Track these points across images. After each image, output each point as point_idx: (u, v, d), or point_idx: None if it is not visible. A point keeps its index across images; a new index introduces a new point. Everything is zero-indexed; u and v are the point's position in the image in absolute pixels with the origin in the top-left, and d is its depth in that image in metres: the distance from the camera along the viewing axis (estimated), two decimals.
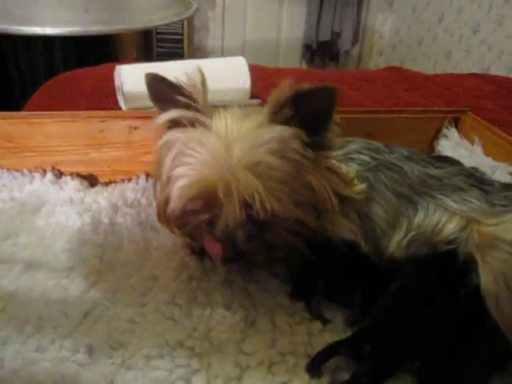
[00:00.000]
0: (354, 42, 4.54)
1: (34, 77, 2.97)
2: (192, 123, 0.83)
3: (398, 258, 0.92)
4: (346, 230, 0.92)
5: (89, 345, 0.78)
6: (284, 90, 0.79)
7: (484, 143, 1.29)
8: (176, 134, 0.85)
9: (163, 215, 0.89)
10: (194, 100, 0.83)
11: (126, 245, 1.03)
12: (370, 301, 0.84)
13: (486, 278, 0.79)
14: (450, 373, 0.73)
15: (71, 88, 1.93)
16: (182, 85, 0.83)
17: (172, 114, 0.84)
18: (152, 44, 3.56)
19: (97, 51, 2.91)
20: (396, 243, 0.92)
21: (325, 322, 0.86)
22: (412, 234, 0.92)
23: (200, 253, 1.01)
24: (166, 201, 0.86)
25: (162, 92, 0.84)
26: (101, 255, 1.00)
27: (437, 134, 1.40)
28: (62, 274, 0.94)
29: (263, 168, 0.77)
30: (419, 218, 0.93)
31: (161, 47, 3.71)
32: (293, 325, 0.85)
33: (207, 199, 0.81)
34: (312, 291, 0.88)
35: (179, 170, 0.82)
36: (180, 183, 0.81)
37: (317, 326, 0.85)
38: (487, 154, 1.28)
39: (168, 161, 0.84)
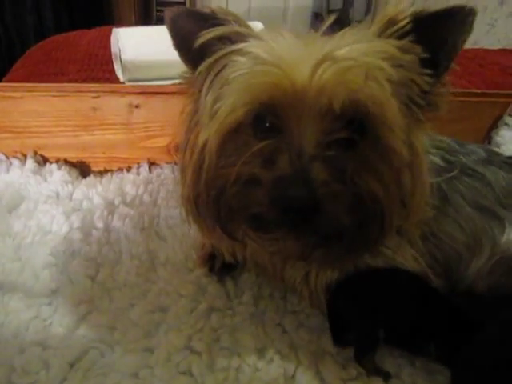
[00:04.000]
0: (367, 11, 4.24)
1: (23, 39, 2.69)
2: None
3: (479, 290, 0.71)
4: (407, 257, 0.71)
5: None
6: (398, 9, 0.56)
7: None
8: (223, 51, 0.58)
9: (193, 188, 0.60)
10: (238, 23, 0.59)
11: (124, 260, 0.82)
12: (448, 349, 0.64)
13: None
14: None
15: (59, 54, 1.67)
16: (216, 12, 0.59)
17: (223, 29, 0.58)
18: (152, 8, 3.24)
19: (91, 13, 2.62)
20: (476, 270, 0.71)
21: (386, 376, 0.65)
22: (497, 258, 0.71)
23: (221, 271, 0.79)
24: (200, 161, 0.59)
25: (190, 33, 0.59)
26: (93, 274, 0.78)
27: (495, 123, 1.18)
28: (43, 301, 0.73)
29: (372, 69, 0.53)
30: (507, 237, 0.72)
31: (161, 11, 3.40)
32: (347, 381, 0.65)
33: (273, 110, 0.54)
34: (368, 341, 0.66)
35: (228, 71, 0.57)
36: (232, 87, 0.55)
37: (379, 382, 0.64)
38: None
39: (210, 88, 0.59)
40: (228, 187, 0.55)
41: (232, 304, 0.75)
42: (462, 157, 0.77)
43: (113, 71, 1.44)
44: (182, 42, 0.60)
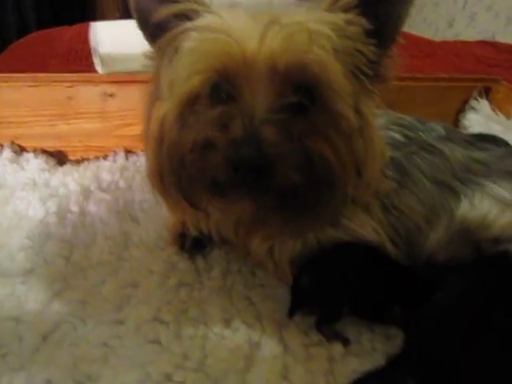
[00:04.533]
0: None
1: (4, 38, 2.70)
2: None
3: (438, 260, 0.74)
4: (367, 228, 0.74)
5: (47, 381, 0.60)
6: None
7: None
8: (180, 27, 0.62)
9: (156, 161, 0.65)
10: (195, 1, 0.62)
11: (99, 241, 0.84)
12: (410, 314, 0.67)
13: None
14: None
15: (41, 49, 1.69)
16: None
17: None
18: None
19: (74, 10, 2.64)
20: (435, 241, 0.75)
21: (346, 342, 0.68)
22: (454, 230, 0.75)
23: (192, 249, 0.82)
24: (161, 133, 0.62)
25: (151, 12, 0.62)
26: (68, 254, 0.81)
27: (463, 107, 1.21)
28: (18, 280, 0.75)
29: (317, 35, 0.57)
30: (463, 210, 0.75)
31: None
32: (308, 346, 0.67)
33: (226, 77, 0.57)
34: (331, 313, 0.70)
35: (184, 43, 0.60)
36: (187, 56, 0.59)
37: (339, 348, 0.67)
38: None
39: (169, 61, 0.62)
40: (187, 155, 0.58)
41: (201, 279, 0.77)
42: (421, 133, 0.81)
43: (92, 65, 1.46)
44: (144, 21, 0.64)
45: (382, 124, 0.80)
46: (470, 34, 3.34)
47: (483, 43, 2.40)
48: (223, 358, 0.65)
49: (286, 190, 0.57)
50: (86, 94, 1.04)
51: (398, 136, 0.79)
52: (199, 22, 0.60)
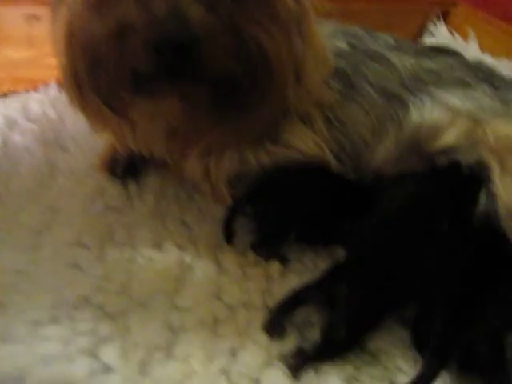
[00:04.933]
0: None
1: None
2: None
3: (386, 175, 0.70)
4: (309, 142, 0.68)
5: None
6: None
7: (480, 37, 1.06)
8: None
9: (70, 64, 0.56)
10: None
11: (22, 170, 0.77)
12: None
13: (509, 192, 0.58)
14: (456, 325, 0.52)
15: None
16: None
17: None
18: None
19: None
20: (382, 155, 0.70)
21: (284, 260, 0.64)
22: (403, 142, 0.70)
23: (124, 174, 0.76)
24: (70, 31, 0.54)
25: None
26: None
27: (421, 31, 1.15)
28: None
29: None
30: (412, 121, 0.70)
31: None
32: (245, 267, 0.63)
33: None
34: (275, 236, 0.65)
35: None
36: None
37: (278, 267, 0.63)
38: (484, 50, 1.05)
39: None
40: (102, 46, 0.51)
41: (132, 203, 0.72)
42: (368, 43, 0.75)
43: None
44: None
45: (327, 33, 0.74)
46: None
47: None
48: (150, 279, 0.60)
49: (219, 79, 0.51)
50: (8, 16, 0.94)
51: (343, 45, 0.73)
52: None
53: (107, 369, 0.50)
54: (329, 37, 0.73)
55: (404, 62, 0.73)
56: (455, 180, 0.63)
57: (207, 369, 0.50)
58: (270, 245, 0.65)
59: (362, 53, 0.73)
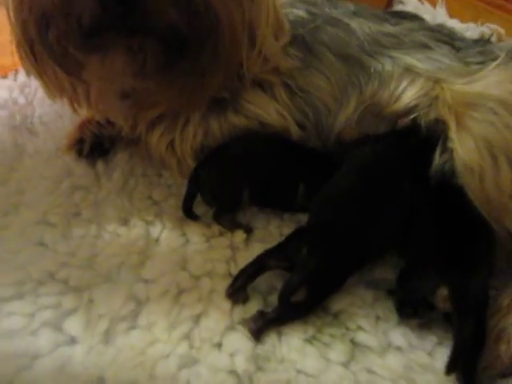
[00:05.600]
0: None
1: None
2: None
3: (348, 139, 0.70)
4: (270, 111, 0.68)
5: None
6: None
7: (448, 3, 1.06)
8: None
9: (19, 24, 0.55)
10: None
11: None
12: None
13: (465, 148, 0.58)
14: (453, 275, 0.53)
15: None
16: None
17: None
18: None
19: None
20: (344, 120, 0.70)
21: (248, 230, 0.65)
22: (364, 106, 0.70)
23: (91, 154, 0.76)
24: None
25: None
26: None
27: (390, 2, 1.15)
28: None
29: None
30: (373, 84, 0.70)
31: None
32: (210, 238, 0.64)
33: None
34: (230, 201, 0.65)
35: None
36: None
37: (242, 236, 0.63)
38: (453, 15, 1.05)
39: None
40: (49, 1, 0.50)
41: (100, 182, 0.72)
42: (327, 9, 0.74)
43: None
44: None
45: (286, 1, 0.73)
46: None
47: None
48: (115, 254, 0.60)
49: (165, 30, 0.50)
50: None
51: (302, 13, 0.73)
52: None
53: (71, 340, 0.51)
54: (287, 6, 0.73)
55: (363, 27, 0.73)
56: (413, 139, 0.64)
57: (170, 336, 0.52)
58: (229, 213, 0.66)
59: (321, 20, 0.72)
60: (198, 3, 0.51)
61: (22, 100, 0.92)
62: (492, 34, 0.88)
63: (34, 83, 0.96)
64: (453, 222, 0.56)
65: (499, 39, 0.94)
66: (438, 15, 1.07)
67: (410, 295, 0.54)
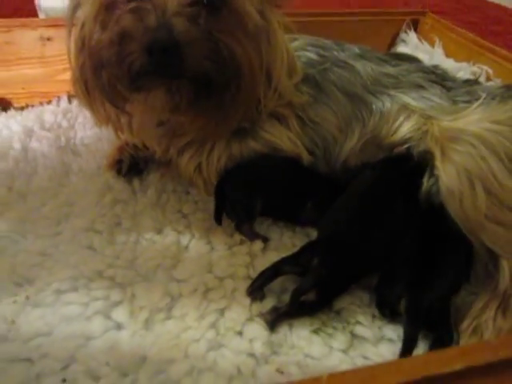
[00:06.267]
0: None
1: None
2: None
3: (352, 165, 0.81)
4: (284, 139, 0.80)
5: None
6: None
7: (445, 44, 1.18)
8: None
9: (79, 65, 0.69)
10: None
11: (40, 171, 0.89)
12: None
13: (448, 175, 0.69)
14: (414, 288, 0.63)
15: None
16: None
17: None
18: None
19: None
20: (349, 149, 0.81)
21: (265, 240, 0.75)
22: (366, 137, 0.81)
23: (128, 173, 0.88)
24: (81, 38, 0.67)
25: None
26: (9, 184, 0.85)
27: (394, 40, 1.27)
28: None
29: None
30: (374, 119, 0.81)
31: None
32: (232, 246, 0.74)
33: None
34: (246, 212, 0.76)
35: None
36: None
37: (260, 245, 0.74)
38: (449, 55, 1.16)
39: None
40: (106, 50, 0.63)
41: (136, 197, 0.83)
42: (335, 52, 0.86)
43: None
44: None
45: (299, 45, 0.86)
46: None
47: None
48: (152, 257, 0.71)
49: (198, 77, 0.63)
50: (24, 38, 1.06)
51: (313, 56, 0.85)
52: None
53: (118, 326, 0.61)
54: (301, 49, 0.85)
55: (367, 68, 0.85)
56: (405, 166, 0.75)
57: (200, 324, 0.62)
58: (248, 223, 0.76)
59: (330, 61, 0.84)
60: (225, 55, 0.63)
61: (65, 123, 1.04)
62: (481, 74, 1.00)
63: (75, 109, 1.09)
64: (433, 238, 0.67)
65: (488, 79, 1.05)
66: (435, 54, 1.18)
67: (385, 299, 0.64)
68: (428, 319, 0.61)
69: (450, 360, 0.35)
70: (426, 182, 0.73)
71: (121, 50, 0.62)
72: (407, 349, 0.58)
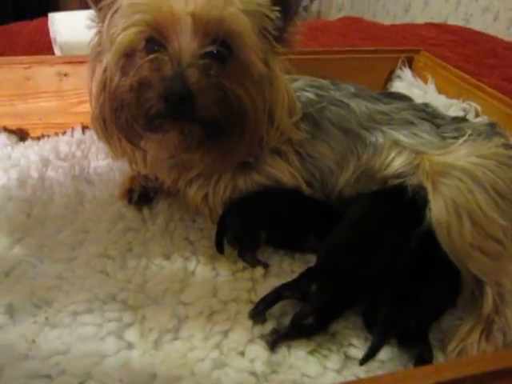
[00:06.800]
0: None
1: None
2: None
3: (347, 195, 0.87)
4: (285, 173, 0.86)
5: (9, 304, 0.71)
6: None
7: (437, 81, 1.25)
8: None
9: (99, 105, 0.76)
10: None
11: (56, 199, 0.95)
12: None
13: (437, 207, 0.75)
14: (398, 313, 0.69)
15: (2, 43, 1.77)
16: None
17: None
18: None
19: (36, 4, 2.71)
20: (345, 181, 0.87)
21: (266, 266, 0.81)
22: (360, 170, 0.87)
23: (139, 202, 0.94)
24: (103, 81, 0.74)
25: None
26: (28, 211, 0.91)
27: (390, 76, 1.35)
28: None
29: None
30: (368, 153, 0.88)
31: None
32: (235, 272, 0.80)
33: (158, 30, 0.69)
34: (249, 241, 0.82)
35: (122, 1, 0.71)
36: (124, 12, 0.70)
37: (261, 271, 0.79)
38: (441, 91, 1.24)
39: (109, 19, 0.72)
40: (126, 95, 0.70)
41: (146, 225, 0.89)
42: (332, 92, 0.93)
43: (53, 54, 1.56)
44: None
45: (299, 86, 0.93)
46: (425, 19, 3.50)
47: (429, 25, 2.54)
48: (161, 281, 0.76)
49: (208, 121, 0.70)
50: (43, 74, 1.13)
51: (311, 95, 0.92)
52: None
53: (130, 346, 0.67)
54: (301, 89, 0.92)
55: (361, 106, 0.91)
56: (399, 199, 0.81)
57: (205, 344, 0.67)
58: (250, 251, 0.82)
59: (327, 101, 0.91)
60: (233, 101, 0.70)
61: (79, 153, 1.11)
62: (470, 111, 1.07)
63: (89, 140, 1.16)
64: (422, 264, 0.72)
65: (477, 115, 1.12)
66: (429, 90, 1.26)
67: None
68: (407, 338, 0.68)
69: (424, 376, 0.40)
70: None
71: (139, 95, 0.69)
72: (369, 356, 0.65)
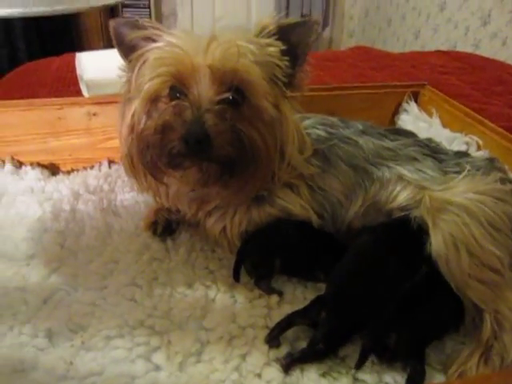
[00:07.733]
0: (324, 24, 4.53)
1: None
2: None
3: (356, 227, 0.94)
4: (296, 205, 0.93)
5: (48, 329, 0.78)
6: (269, 19, 0.83)
7: (442, 115, 1.32)
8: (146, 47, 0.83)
9: (128, 145, 0.85)
10: (158, 29, 0.83)
11: (87, 231, 1.03)
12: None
13: (437, 241, 0.81)
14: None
15: (32, 79, 1.89)
16: (144, 22, 0.84)
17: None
18: None
19: (62, 41, 2.86)
20: (354, 213, 0.94)
21: (280, 294, 0.87)
22: (368, 203, 0.94)
23: (163, 233, 1.01)
24: (131, 125, 0.84)
25: (125, 36, 0.84)
26: (62, 242, 0.99)
27: (397, 109, 1.42)
28: (22, 263, 0.94)
29: (244, 50, 0.78)
30: (375, 187, 0.94)
31: None
32: (252, 300, 0.86)
33: (180, 80, 0.79)
34: (265, 269, 0.89)
35: (149, 55, 0.81)
36: (151, 64, 0.80)
37: (276, 299, 0.86)
38: (445, 125, 1.30)
39: (138, 70, 0.83)
40: (151, 137, 0.79)
41: (170, 255, 0.96)
42: (341, 129, 1.01)
43: (79, 91, 1.66)
44: (120, 42, 0.86)
45: (310, 124, 1.01)
46: (435, 45, 3.59)
47: (437, 53, 2.62)
48: (184, 308, 0.83)
49: (224, 160, 0.78)
50: (73, 114, 1.23)
51: (322, 133, 0.99)
52: (161, 42, 0.82)
53: (157, 368, 0.73)
54: (312, 127, 1.00)
55: (368, 142, 0.98)
56: (404, 231, 0.87)
57: (225, 367, 0.73)
58: (266, 279, 0.89)
59: (337, 138, 0.98)
60: (246, 142, 0.79)
61: (106, 187, 1.19)
62: (472, 144, 1.14)
63: (114, 173, 1.25)
64: (423, 294, 0.78)
65: (478, 148, 1.18)
66: (433, 124, 1.32)
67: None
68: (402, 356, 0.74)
69: None
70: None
71: (163, 137, 0.78)
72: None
